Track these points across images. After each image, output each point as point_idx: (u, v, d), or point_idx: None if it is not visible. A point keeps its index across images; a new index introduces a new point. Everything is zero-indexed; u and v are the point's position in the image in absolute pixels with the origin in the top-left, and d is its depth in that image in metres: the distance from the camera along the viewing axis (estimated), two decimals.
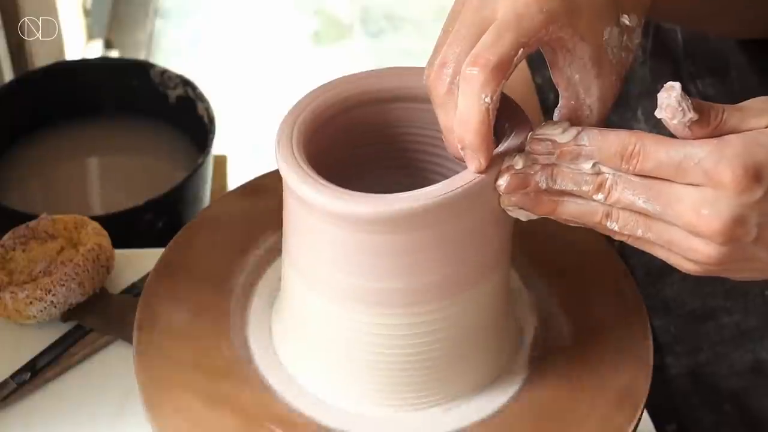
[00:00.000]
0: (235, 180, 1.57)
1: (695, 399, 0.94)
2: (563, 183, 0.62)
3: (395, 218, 0.62)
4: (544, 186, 0.62)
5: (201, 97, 1.42)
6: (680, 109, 0.60)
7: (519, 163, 0.62)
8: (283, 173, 0.65)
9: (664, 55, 0.98)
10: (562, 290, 0.76)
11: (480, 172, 0.62)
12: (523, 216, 0.64)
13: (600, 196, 0.62)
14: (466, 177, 0.63)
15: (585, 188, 0.62)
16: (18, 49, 1.54)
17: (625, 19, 0.65)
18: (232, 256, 0.78)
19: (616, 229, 0.63)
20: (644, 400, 0.70)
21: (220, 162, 1.55)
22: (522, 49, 0.61)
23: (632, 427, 0.69)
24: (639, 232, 0.62)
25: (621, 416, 0.69)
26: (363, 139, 0.71)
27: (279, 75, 2.32)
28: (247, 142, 2.13)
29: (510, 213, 0.65)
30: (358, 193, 0.62)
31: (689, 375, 0.94)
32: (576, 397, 0.70)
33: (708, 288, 0.94)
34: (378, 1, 2.53)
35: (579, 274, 0.77)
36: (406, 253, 0.64)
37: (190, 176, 1.33)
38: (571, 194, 0.63)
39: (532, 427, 0.69)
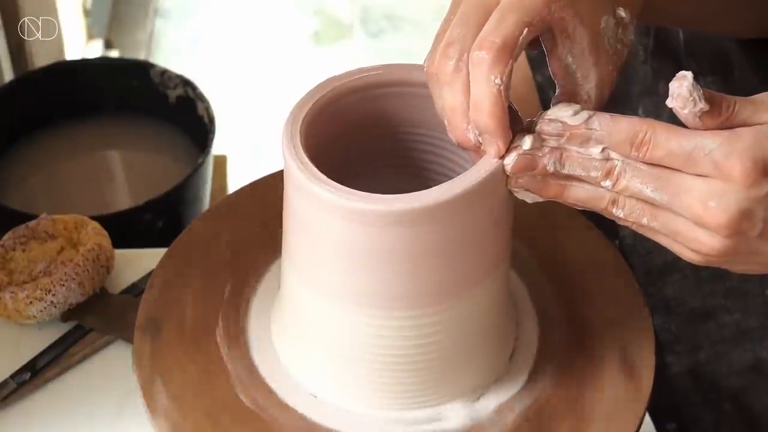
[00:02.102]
0: (235, 180, 1.57)
1: (695, 398, 0.94)
2: (571, 167, 0.62)
3: (409, 213, 0.62)
4: (551, 169, 0.62)
5: (201, 97, 1.42)
6: (691, 98, 0.59)
7: (527, 143, 0.62)
8: (292, 171, 0.64)
9: (666, 53, 0.98)
10: (562, 290, 0.76)
11: (499, 157, 0.62)
12: (530, 198, 0.64)
13: (608, 183, 0.62)
14: (472, 174, 0.62)
15: (593, 174, 0.62)
16: (18, 49, 1.54)
17: (621, 11, 0.65)
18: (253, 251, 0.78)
19: (621, 216, 0.63)
20: (647, 400, 0.70)
21: (220, 162, 1.55)
22: (527, 29, 0.61)
23: (635, 428, 0.69)
24: (644, 221, 0.62)
25: (623, 417, 0.69)
26: (358, 136, 0.71)
27: (279, 75, 2.32)
28: (247, 142, 2.13)
29: (517, 195, 0.64)
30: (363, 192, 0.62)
31: (689, 374, 0.94)
32: (576, 398, 0.70)
33: (708, 287, 0.94)
34: (378, 1, 2.53)
35: (579, 274, 0.77)
36: (409, 254, 0.64)
37: (190, 176, 1.33)
38: (578, 179, 0.63)
39: (532, 428, 0.69)
